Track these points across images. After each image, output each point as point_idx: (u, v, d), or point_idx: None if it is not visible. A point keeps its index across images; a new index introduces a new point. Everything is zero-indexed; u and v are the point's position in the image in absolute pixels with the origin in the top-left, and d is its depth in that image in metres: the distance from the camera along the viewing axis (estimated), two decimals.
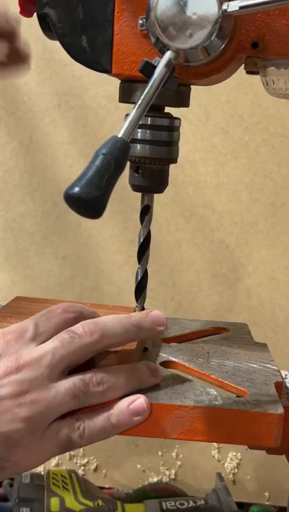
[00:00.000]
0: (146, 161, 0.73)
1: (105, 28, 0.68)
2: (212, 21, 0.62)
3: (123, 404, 0.61)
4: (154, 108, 0.70)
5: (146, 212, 0.77)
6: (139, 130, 0.72)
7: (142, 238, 0.77)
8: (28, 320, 0.62)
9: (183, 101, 0.74)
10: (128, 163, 0.74)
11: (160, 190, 0.77)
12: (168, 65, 0.63)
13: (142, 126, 0.72)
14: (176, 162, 0.76)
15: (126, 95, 0.73)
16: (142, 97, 0.62)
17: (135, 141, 0.73)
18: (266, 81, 0.73)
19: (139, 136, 0.73)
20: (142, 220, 0.77)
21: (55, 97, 1.45)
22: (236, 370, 0.72)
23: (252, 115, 1.42)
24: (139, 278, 0.77)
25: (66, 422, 0.59)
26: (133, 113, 0.61)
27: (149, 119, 0.72)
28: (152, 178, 0.75)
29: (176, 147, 0.75)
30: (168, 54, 0.63)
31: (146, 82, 0.63)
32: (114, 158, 0.57)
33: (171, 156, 0.75)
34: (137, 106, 0.61)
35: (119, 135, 0.59)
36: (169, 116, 0.74)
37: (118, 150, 0.58)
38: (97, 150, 0.58)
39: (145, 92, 0.62)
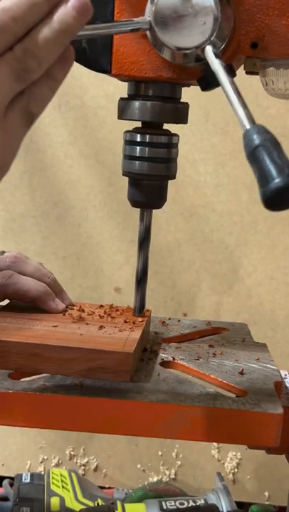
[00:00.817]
0: (145, 177, 0.74)
1: None
2: (212, 20, 0.62)
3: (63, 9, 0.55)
4: (153, 125, 0.71)
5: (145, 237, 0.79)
6: (138, 147, 0.73)
7: (141, 264, 0.79)
8: None
9: (181, 118, 0.75)
10: (127, 179, 0.75)
11: (158, 206, 0.78)
12: (217, 56, 0.62)
13: (141, 144, 0.73)
14: (174, 178, 0.77)
15: (124, 112, 0.74)
16: (228, 90, 0.58)
17: (134, 158, 0.74)
18: (266, 81, 0.73)
19: (138, 153, 0.73)
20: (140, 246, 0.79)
21: (55, 97, 1.44)
22: (236, 370, 0.72)
23: None
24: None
25: (17, 100, 0.57)
26: (237, 104, 0.57)
27: (147, 136, 0.73)
28: (151, 194, 0.76)
29: (175, 163, 0.76)
30: (208, 48, 0.62)
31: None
32: (269, 140, 0.52)
33: (169, 172, 0.75)
34: (232, 98, 0.57)
35: (249, 126, 0.55)
36: (167, 133, 0.75)
37: (265, 134, 0.53)
38: (249, 149, 0.53)
39: (227, 88, 0.58)
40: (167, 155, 0.74)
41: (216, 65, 0.61)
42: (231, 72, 0.62)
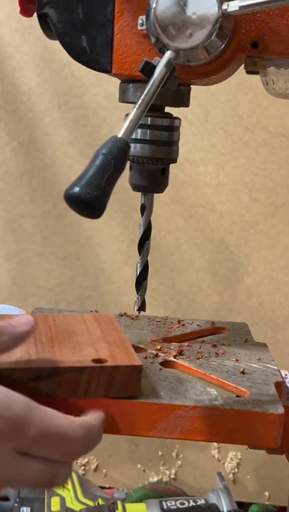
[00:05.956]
0: (146, 160, 0.74)
1: (105, 27, 0.68)
2: (212, 21, 0.62)
3: None
4: (154, 108, 0.70)
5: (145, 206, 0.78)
6: (140, 130, 0.73)
7: (143, 228, 0.78)
8: None
9: (183, 101, 0.74)
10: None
11: (160, 190, 0.77)
12: (168, 64, 0.63)
13: (142, 126, 0.72)
14: (176, 162, 0.76)
15: (126, 95, 0.73)
16: (142, 97, 0.62)
17: (135, 140, 0.73)
18: (266, 81, 0.73)
19: (139, 135, 0.73)
20: (142, 211, 0.78)
21: (55, 97, 1.45)
22: (236, 370, 0.72)
23: (252, 115, 1.42)
24: (140, 269, 0.78)
25: None
26: (133, 113, 0.61)
27: (149, 118, 0.73)
28: (152, 177, 0.75)
29: (176, 147, 0.76)
30: (168, 54, 0.63)
31: (146, 81, 0.63)
32: (114, 158, 0.58)
33: (171, 155, 0.75)
34: (137, 106, 0.62)
35: (119, 135, 0.60)
36: (169, 116, 0.74)
37: (118, 150, 0.58)
38: (97, 150, 0.58)
39: (145, 92, 0.62)
40: (169, 138, 0.74)
41: (159, 71, 0.63)
42: (170, 85, 0.64)
